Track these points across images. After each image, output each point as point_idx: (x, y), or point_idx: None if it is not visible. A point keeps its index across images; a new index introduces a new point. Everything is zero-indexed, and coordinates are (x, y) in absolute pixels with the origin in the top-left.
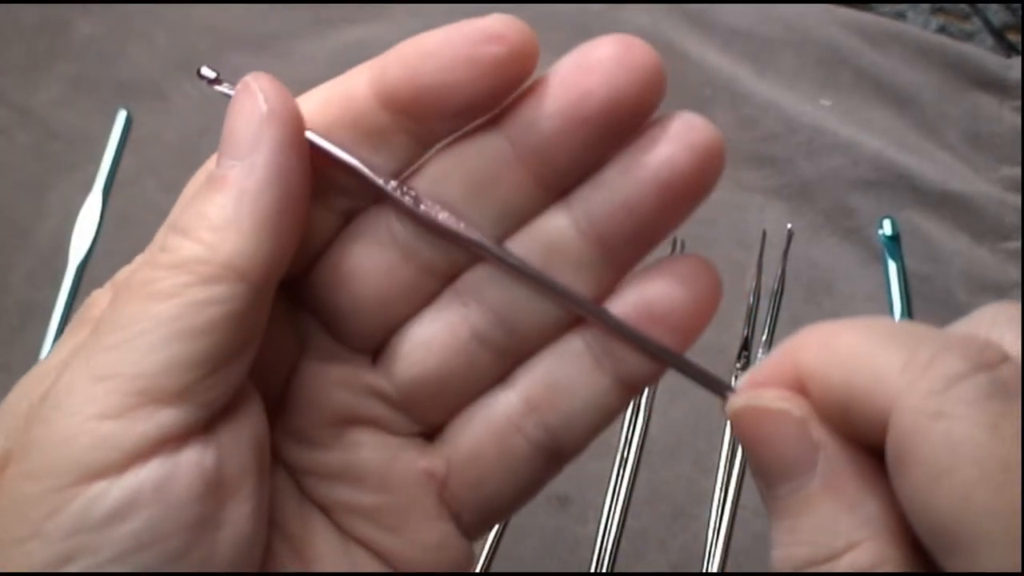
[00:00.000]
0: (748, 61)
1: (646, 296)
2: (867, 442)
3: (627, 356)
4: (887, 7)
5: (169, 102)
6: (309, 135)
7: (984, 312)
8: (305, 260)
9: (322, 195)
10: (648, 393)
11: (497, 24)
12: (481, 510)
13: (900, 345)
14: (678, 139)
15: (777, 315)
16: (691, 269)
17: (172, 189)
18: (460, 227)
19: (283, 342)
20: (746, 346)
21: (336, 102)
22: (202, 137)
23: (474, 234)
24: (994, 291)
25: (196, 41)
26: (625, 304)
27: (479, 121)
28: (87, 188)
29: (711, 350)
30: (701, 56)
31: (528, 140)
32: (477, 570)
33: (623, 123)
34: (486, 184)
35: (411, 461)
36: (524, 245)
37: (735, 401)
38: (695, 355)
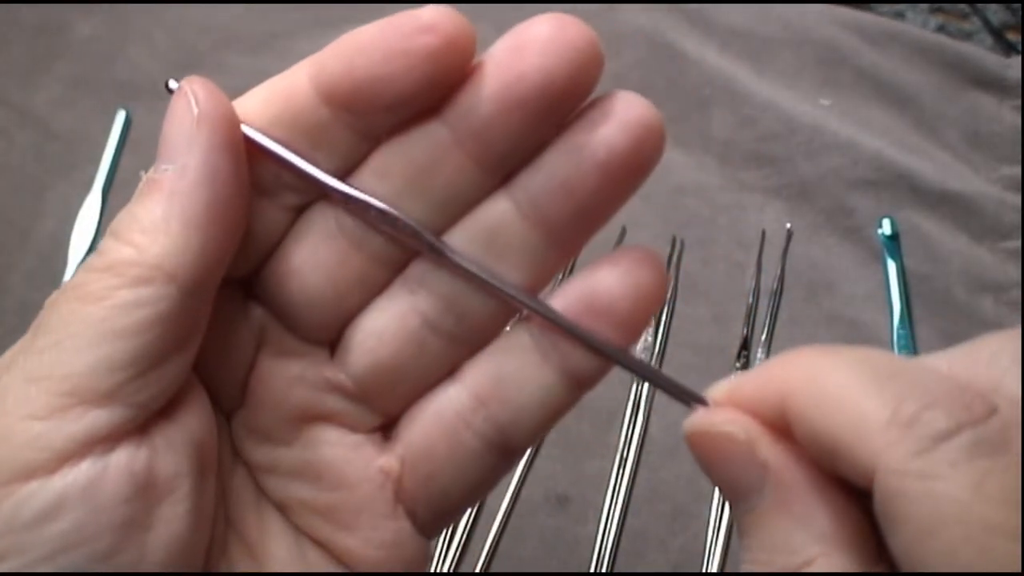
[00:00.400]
0: (748, 61)
1: (588, 288)
2: (855, 485)
3: (574, 350)
4: (886, 7)
5: (169, 102)
6: (249, 132)
7: (986, 344)
8: (257, 257)
9: (270, 192)
10: (648, 393)
11: (430, 15)
12: (434, 507)
13: (886, 395)
14: (616, 119)
15: (777, 315)
16: (635, 261)
17: None
18: (398, 223)
19: (240, 340)
20: (746, 346)
21: (277, 99)
22: None
23: (413, 231)
24: (994, 291)
25: (196, 41)
26: (567, 297)
27: (419, 112)
28: (87, 188)
29: (711, 350)
30: (700, 56)
31: (466, 125)
32: (477, 570)
33: (560, 104)
34: (427, 172)
35: (368, 459)
36: (468, 232)
37: (690, 423)
38: (695, 354)
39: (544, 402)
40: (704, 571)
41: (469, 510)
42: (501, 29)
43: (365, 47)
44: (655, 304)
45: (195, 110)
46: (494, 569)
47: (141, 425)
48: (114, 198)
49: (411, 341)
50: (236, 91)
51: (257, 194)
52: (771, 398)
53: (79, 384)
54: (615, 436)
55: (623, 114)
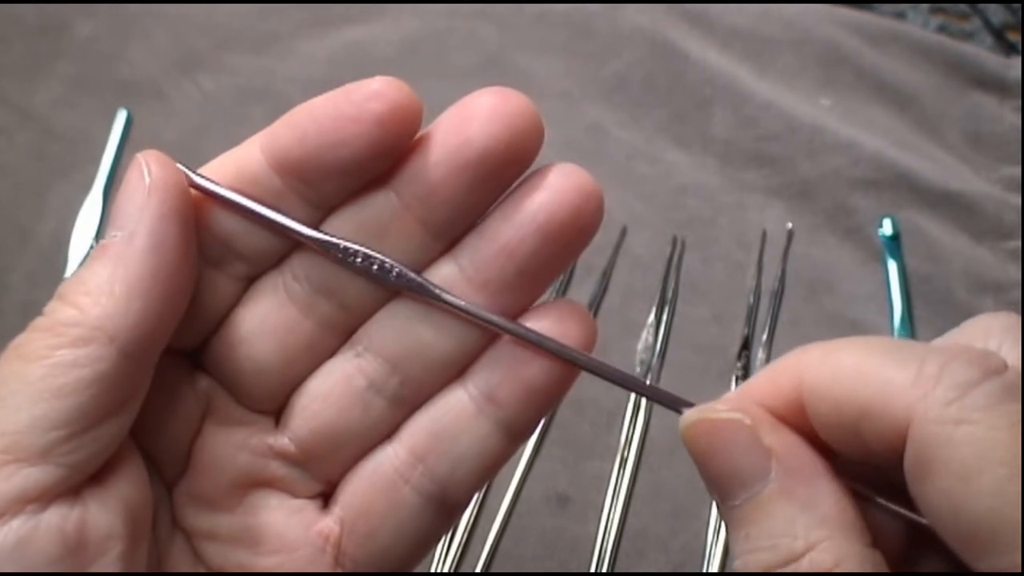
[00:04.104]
0: (748, 61)
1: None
2: (877, 455)
3: (508, 403)
4: (887, 7)
5: (169, 102)
6: (220, 190)
7: (976, 323)
8: (206, 328)
9: (219, 262)
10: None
11: (377, 84)
12: (376, 566)
13: (905, 360)
14: (555, 186)
15: (777, 315)
16: (565, 313)
17: None
18: (385, 266)
19: (185, 410)
20: (746, 346)
21: (230, 169)
22: (202, 137)
23: (395, 263)
24: (994, 291)
25: (196, 41)
26: (502, 348)
27: (368, 181)
28: (87, 188)
29: (712, 350)
30: (701, 56)
31: (414, 190)
32: (477, 570)
33: (502, 169)
34: (377, 237)
35: (308, 523)
36: (414, 296)
37: (687, 417)
38: (695, 354)
39: (480, 454)
40: (704, 571)
41: (469, 510)
42: (502, 29)
43: (316, 115)
44: (588, 350)
45: (146, 180)
46: (494, 569)
47: (75, 486)
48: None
49: (356, 403)
50: (237, 91)
51: (206, 264)
52: (783, 388)
53: (15, 441)
54: (615, 436)
55: (561, 182)
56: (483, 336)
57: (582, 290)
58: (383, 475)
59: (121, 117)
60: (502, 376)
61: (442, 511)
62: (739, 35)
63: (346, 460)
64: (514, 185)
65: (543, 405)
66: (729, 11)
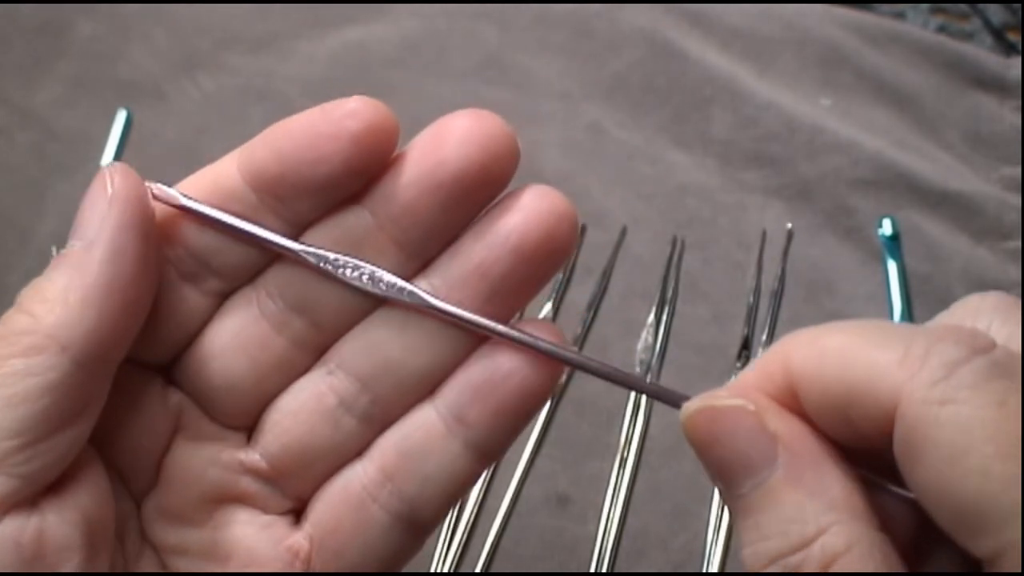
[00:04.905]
0: (748, 61)
1: (493, 360)
2: (868, 439)
3: (478, 423)
4: (887, 7)
5: (169, 102)
6: (199, 207)
7: (965, 304)
8: (178, 342)
9: (194, 277)
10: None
11: (354, 103)
12: None
13: (892, 341)
14: (529, 208)
15: (777, 315)
16: (538, 330)
17: None
18: (375, 276)
19: (156, 424)
20: (746, 346)
21: (205, 185)
22: (202, 137)
23: (384, 272)
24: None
25: (196, 41)
26: (472, 369)
27: (343, 199)
28: (87, 188)
29: (712, 350)
30: (701, 56)
31: (388, 209)
32: (477, 570)
33: (476, 190)
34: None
35: (278, 539)
36: (390, 315)
37: (689, 406)
38: (696, 354)
39: (450, 474)
40: (704, 571)
41: (469, 510)
42: (502, 29)
43: (293, 132)
44: (557, 377)
45: (109, 191)
46: (494, 569)
47: (31, 496)
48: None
49: (326, 421)
50: (237, 91)
51: (179, 279)
52: (774, 375)
53: None
54: (615, 436)
55: (535, 203)
56: (455, 355)
57: (582, 290)
58: (352, 493)
59: (121, 117)
60: (472, 396)
61: (411, 530)
62: (739, 35)
63: (316, 477)
64: (489, 206)
65: (514, 426)
66: (729, 11)
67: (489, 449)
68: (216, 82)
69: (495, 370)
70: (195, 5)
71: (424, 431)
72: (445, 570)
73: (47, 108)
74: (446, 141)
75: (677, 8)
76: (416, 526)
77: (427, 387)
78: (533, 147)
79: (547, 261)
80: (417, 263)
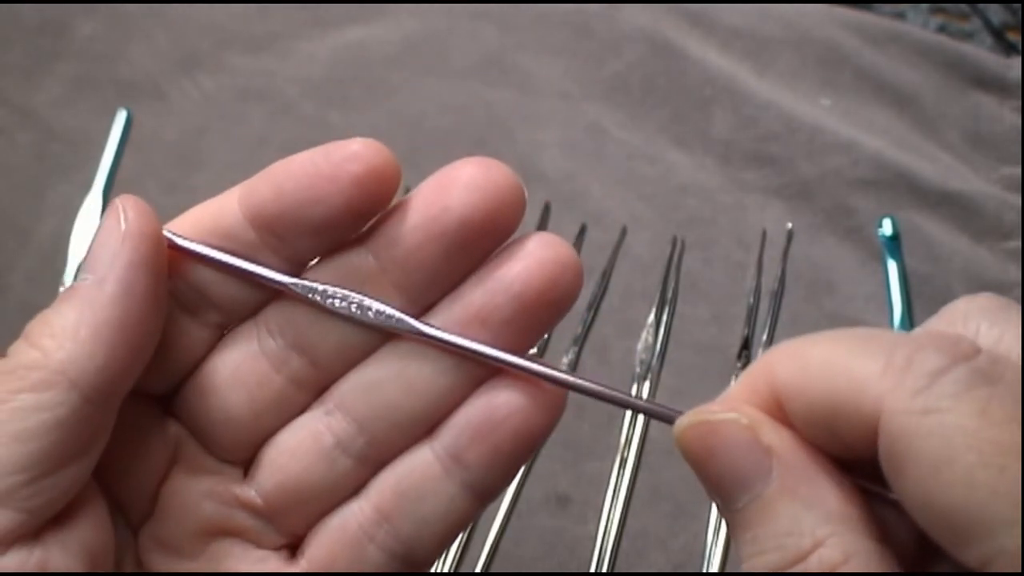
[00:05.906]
0: (748, 61)
1: (491, 400)
2: (856, 450)
3: (475, 464)
4: (887, 7)
5: (169, 102)
6: (195, 246)
7: (953, 308)
8: (177, 374)
9: (195, 310)
10: (648, 393)
11: (356, 145)
12: None
13: (874, 351)
14: (533, 255)
15: (777, 315)
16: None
17: (172, 189)
18: (384, 314)
19: (154, 455)
20: (746, 346)
21: (207, 221)
22: (202, 137)
23: (394, 310)
24: (994, 290)
25: (196, 41)
26: (470, 409)
27: (344, 241)
28: (87, 188)
29: (712, 350)
30: (701, 56)
31: (391, 253)
32: (477, 570)
33: (481, 238)
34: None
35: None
36: (388, 356)
37: (681, 422)
38: (696, 355)
39: (446, 514)
40: (704, 571)
41: None
42: (502, 29)
43: (294, 172)
44: (556, 417)
45: (122, 227)
46: (494, 569)
47: (35, 530)
48: (114, 198)
49: (323, 460)
50: (237, 91)
51: (181, 311)
52: (760, 390)
53: None
54: (615, 436)
55: (539, 252)
56: (453, 397)
57: (582, 290)
58: (349, 531)
59: (121, 117)
60: (471, 437)
61: (406, 568)
62: (739, 35)
63: (311, 515)
64: (495, 252)
65: (512, 467)
66: (729, 11)
67: (486, 489)
68: (216, 82)
69: (495, 410)
70: (195, 5)
71: (421, 472)
72: (445, 570)
73: (47, 108)
74: (451, 188)
75: (677, 8)
76: (412, 565)
77: (425, 428)
78: (533, 147)
79: (549, 310)
80: (417, 308)
